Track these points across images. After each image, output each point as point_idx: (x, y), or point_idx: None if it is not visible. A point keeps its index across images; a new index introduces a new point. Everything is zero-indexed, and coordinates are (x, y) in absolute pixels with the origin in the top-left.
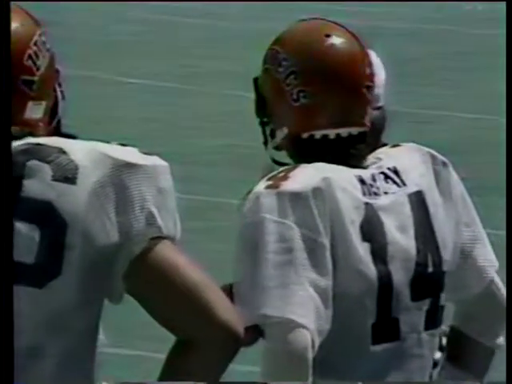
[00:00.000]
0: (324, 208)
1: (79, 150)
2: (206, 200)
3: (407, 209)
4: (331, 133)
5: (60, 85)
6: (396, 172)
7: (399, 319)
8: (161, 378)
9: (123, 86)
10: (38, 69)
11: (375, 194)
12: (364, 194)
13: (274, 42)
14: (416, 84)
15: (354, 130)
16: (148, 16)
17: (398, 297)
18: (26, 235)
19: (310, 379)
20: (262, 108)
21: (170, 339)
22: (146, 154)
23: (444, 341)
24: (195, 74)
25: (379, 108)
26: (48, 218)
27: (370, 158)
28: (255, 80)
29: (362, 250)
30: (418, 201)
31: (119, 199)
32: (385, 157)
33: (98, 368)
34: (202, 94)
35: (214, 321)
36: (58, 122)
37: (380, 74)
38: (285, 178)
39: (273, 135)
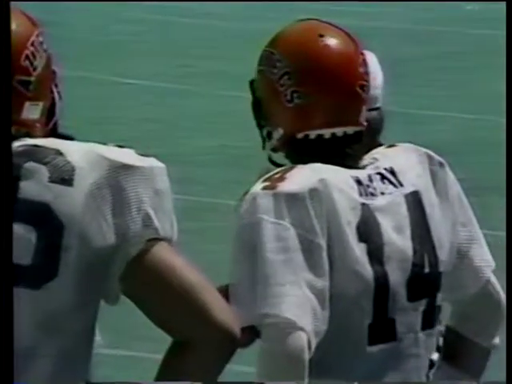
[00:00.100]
0: (321, 209)
1: (76, 152)
2: (200, 201)
3: (404, 209)
4: (326, 132)
5: (57, 85)
6: (393, 172)
7: (396, 320)
8: (157, 379)
9: (120, 86)
10: (34, 69)
11: (372, 194)
12: (360, 194)
13: (268, 44)
14: (412, 84)
15: (350, 130)
16: (145, 16)
17: (394, 297)
18: (23, 237)
19: (306, 380)
20: (258, 110)
21: (167, 340)
22: (142, 155)
23: (441, 341)
24: (192, 74)
25: (377, 109)
26: (45, 219)
27: (367, 158)
28: (251, 82)
29: (359, 250)
30: (415, 201)
31: (116, 201)
32: (381, 157)
33: (94, 369)
34: (199, 94)
35: (210, 322)
36: (55, 122)
37: (378, 75)
38: (281, 178)
39: (270, 137)
